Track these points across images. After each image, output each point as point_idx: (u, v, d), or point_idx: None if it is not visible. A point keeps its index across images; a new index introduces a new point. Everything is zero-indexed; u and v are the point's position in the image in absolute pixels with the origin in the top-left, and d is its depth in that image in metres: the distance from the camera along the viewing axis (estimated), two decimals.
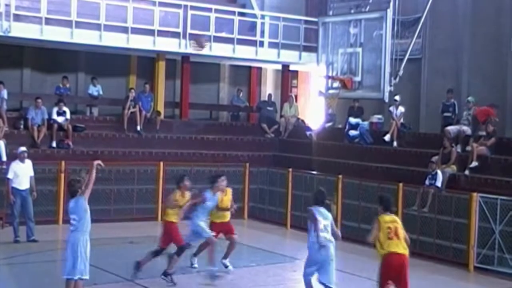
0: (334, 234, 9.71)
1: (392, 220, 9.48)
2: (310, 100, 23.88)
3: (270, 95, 22.69)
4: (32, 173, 14.39)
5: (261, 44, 20.67)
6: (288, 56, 21.17)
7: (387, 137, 18.02)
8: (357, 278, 12.41)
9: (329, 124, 21.21)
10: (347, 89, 15.85)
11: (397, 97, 17.93)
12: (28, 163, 14.40)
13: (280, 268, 13.13)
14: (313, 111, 23.55)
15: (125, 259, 12.93)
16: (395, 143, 17.96)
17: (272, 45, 20.82)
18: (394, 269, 9.28)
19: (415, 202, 14.84)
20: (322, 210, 9.71)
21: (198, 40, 16.19)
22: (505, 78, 17.87)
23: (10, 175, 14.16)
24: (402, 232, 9.41)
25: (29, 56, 19.92)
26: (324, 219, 9.60)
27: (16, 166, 14.27)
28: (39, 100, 17.82)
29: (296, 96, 22.97)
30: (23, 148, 14.65)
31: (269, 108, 22.07)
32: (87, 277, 8.89)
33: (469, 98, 17.33)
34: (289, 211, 17.58)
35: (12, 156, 15.30)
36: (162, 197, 17.42)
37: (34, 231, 14.27)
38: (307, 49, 20.92)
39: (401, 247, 9.33)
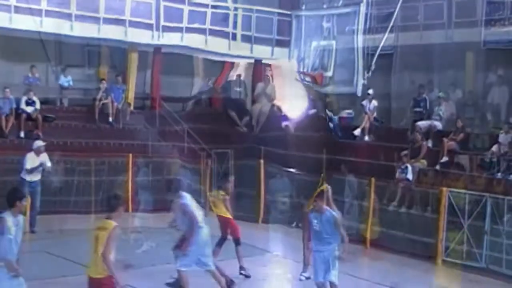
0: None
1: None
2: (285, 85, 20.73)
3: (239, 75, 21.09)
4: (49, 164, 14.45)
5: (234, 36, 20.57)
6: (261, 51, 20.97)
7: (357, 132, 18.03)
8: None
9: (313, 111, 19.78)
10: (318, 85, 15.89)
11: (370, 91, 17.94)
12: (43, 156, 14.46)
13: (252, 263, 12.99)
14: (289, 97, 20.34)
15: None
16: (366, 137, 18.00)
17: (245, 38, 20.72)
18: None
19: (385, 196, 14.92)
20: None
21: None
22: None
23: (27, 166, 14.27)
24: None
25: None
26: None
27: (30, 158, 14.33)
28: (7, 90, 17.52)
29: (272, 76, 20.92)
30: (39, 142, 14.73)
31: (237, 89, 20.58)
32: None
33: (440, 94, 17.48)
34: (262, 206, 17.37)
35: None
36: (132, 188, 17.31)
37: (35, 222, 14.39)
38: (279, 43, 20.79)
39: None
